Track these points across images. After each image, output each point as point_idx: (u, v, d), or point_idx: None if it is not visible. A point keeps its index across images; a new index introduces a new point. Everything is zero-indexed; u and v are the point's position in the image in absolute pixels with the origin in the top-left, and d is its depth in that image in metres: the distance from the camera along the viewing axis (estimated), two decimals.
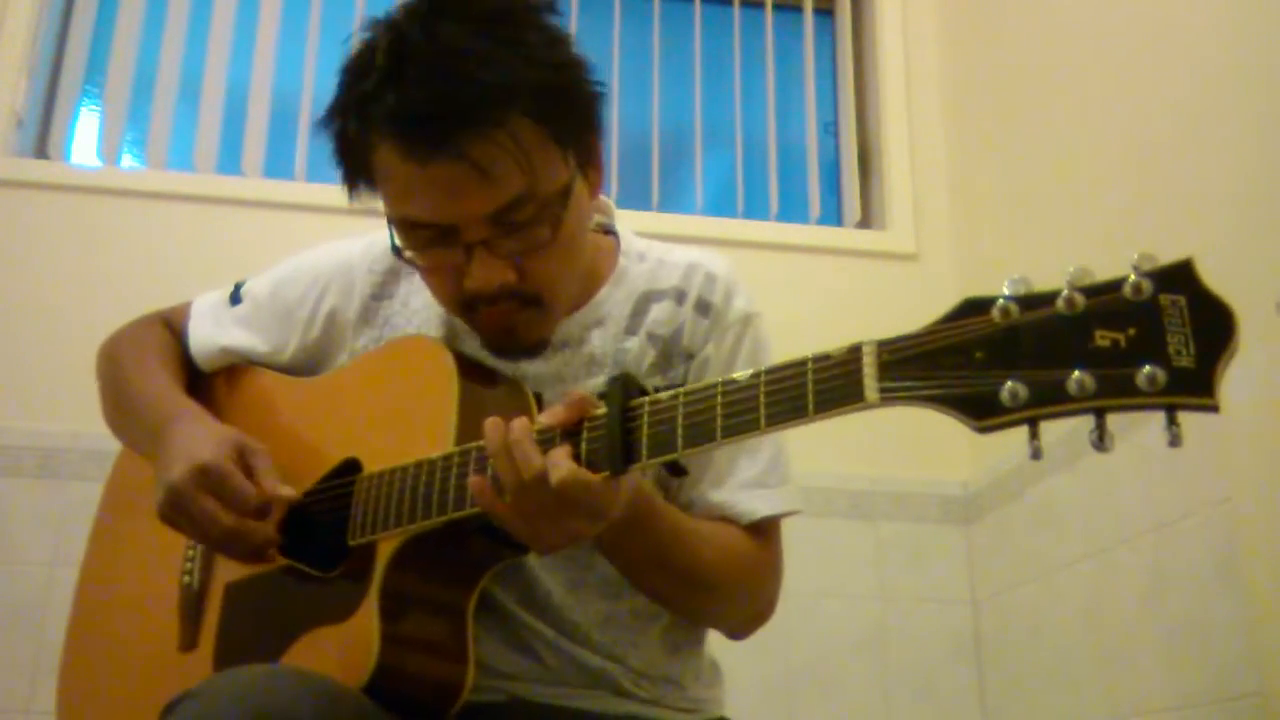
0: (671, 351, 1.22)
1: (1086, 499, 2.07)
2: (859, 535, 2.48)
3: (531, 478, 0.96)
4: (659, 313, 1.23)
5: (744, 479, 1.20)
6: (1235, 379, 0.74)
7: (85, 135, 2.66)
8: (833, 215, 2.86)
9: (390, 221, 1.11)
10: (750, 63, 2.90)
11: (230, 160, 2.62)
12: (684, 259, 1.26)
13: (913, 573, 2.47)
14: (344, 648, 1.07)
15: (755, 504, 1.20)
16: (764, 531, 1.21)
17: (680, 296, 1.23)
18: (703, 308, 1.23)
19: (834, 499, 2.47)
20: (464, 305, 1.12)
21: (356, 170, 1.11)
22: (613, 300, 1.23)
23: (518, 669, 1.15)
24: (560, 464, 0.95)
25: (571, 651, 1.16)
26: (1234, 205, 1.76)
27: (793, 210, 2.80)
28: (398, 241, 1.12)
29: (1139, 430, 1.76)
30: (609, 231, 1.30)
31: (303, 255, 1.36)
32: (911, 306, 2.61)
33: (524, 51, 1.06)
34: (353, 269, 1.30)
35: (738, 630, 1.25)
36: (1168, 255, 0.74)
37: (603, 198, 1.30)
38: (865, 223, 2.82)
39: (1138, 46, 2.07)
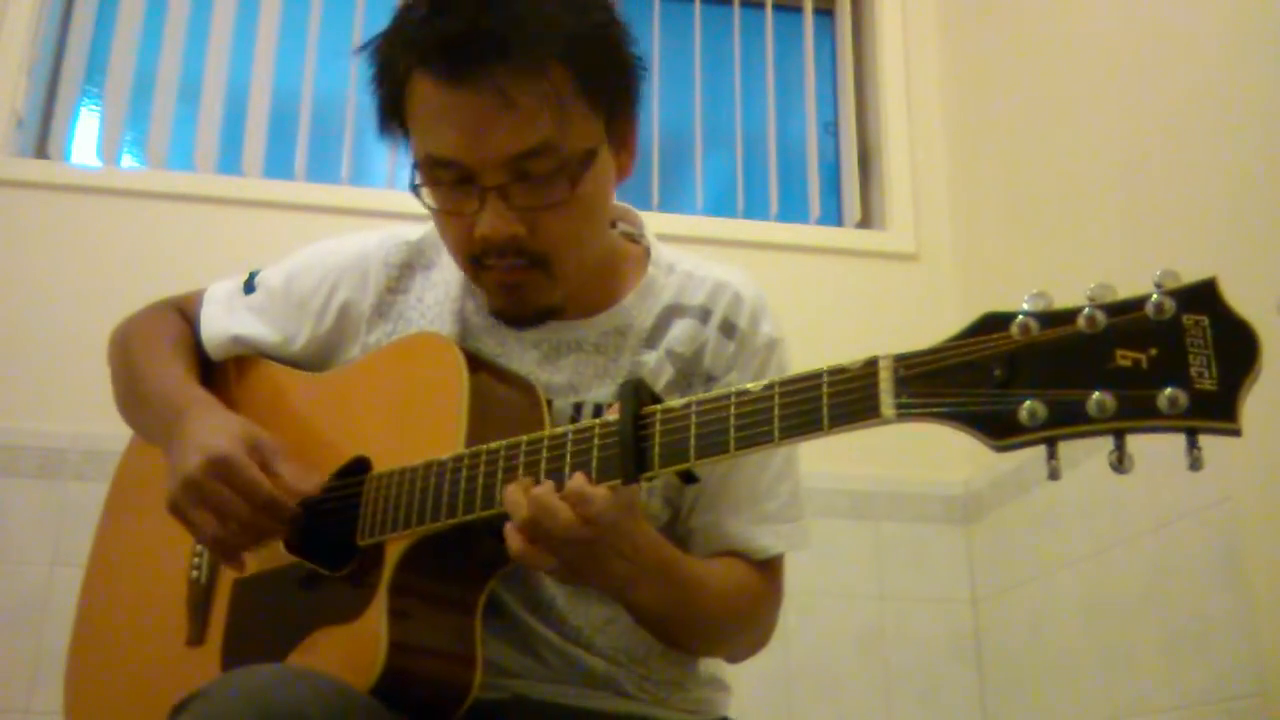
0: (691, 372, 1.20)
1: (1086, 499, 2.08)
2: (859, 535, 2.48)
3: (565, 531, 0.96)
4: (681, 330, 1.22)
5: (763, 512, 1.20)
6: None
7: (85, 135, 2.65)
8: (833, 215, 2.86)
9: (415, 164, 1.13)
10: (750, 63, 2.90)
11: (230, 160, 2.61)
12: (712, 276, 1.25)
13: (913, 573, 2.47)
14: (352, 647, 1.06)
15: (769, 540, 1.20)
16: (772, 566, 1.22)
17: (705, 316, 1.23)
18: (728, 329, 1.22)
19: (834, 499, 2.46)
20: (474, 259, 1.13)
21: (392, 102, 1.13)
22: (637, 310, 1.22)
23: (521, 668, 1.15)
24: (589, 497, 0.96)
25: (574, 654, 1.16)
26: (1234, 204, 1.76)
27: (793, 210, 2.80)
28: (418, 181, 1.12)
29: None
30: (635, 240, 1.29)
31: (318, 246, 1.35)
32: (911, 307, 2.67)
33: (571, 2, 1.08)
34: (367, 261, 1.29)
35: (736, 659, 1.27)
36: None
37: (636, 211, 1.31)
38: (865, 223, 2.82)
39: (1137, 47, 2.08)
